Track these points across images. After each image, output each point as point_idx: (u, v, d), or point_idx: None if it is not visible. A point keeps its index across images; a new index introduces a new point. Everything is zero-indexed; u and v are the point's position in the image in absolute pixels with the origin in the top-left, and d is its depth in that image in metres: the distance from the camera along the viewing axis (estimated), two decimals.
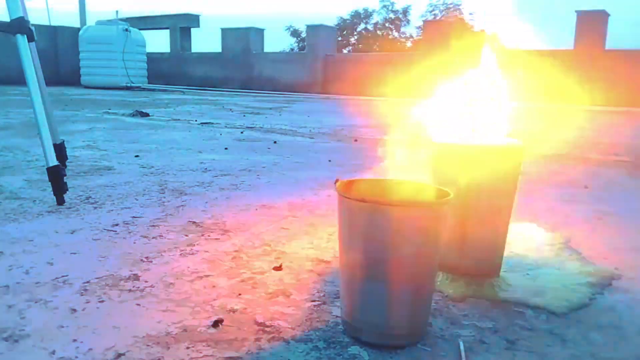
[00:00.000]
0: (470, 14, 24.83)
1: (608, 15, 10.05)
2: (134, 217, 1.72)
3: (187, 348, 0.92)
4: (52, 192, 1.83)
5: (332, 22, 23.94)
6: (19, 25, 1.83)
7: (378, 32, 26.09)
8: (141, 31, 13.43)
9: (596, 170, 2.89)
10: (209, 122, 5.09)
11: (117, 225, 1.63)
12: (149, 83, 13.28)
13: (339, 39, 21.86)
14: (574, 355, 0.94)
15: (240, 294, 1.15)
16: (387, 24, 26.12)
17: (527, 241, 1.57)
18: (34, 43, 1.94)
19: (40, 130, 1.83)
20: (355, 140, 3.97)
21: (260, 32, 14.27)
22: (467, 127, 1.29)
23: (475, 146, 1.22)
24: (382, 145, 3.77)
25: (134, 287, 1.17)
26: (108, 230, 1.58)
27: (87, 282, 1.19)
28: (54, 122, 2.15)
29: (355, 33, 26.44)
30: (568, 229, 1.70)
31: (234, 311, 1.07)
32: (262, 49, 14.30)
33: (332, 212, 1.83)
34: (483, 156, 1.21)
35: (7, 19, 1.83)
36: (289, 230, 1.62)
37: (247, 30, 13.96)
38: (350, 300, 0.98)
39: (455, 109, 1.29)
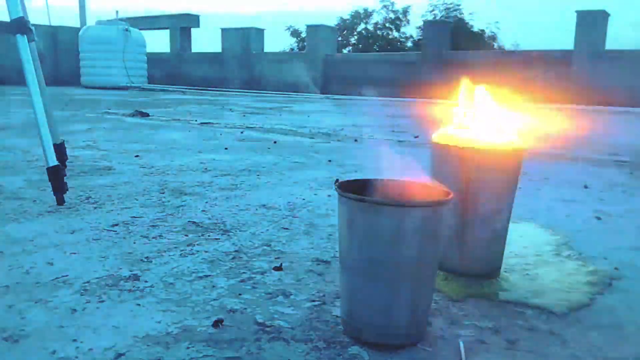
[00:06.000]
0: (470, 14, 24.79)
1: (608, 15, 10.04)
2: (134, 217, 1.72)
3: (187, 348, 0.92)
4: (52, 192, 1.83)
5: (332, 22, 23.94)
6: (19, 25, 1.83)
7: (378, 32, 26.07)
8: (141, 31, 13.42)
9: (596, 170, 2.89)
10: (209, 122, 5.09)
11: (117, 225, 1.63)
12: (149, 83, 13.27)
13: (339, 39, 21.84)
14: (574, 355, 0.94)
15: (240, 294, 1.15)
16: (387, 24, 26.09)
17: (527, 241, 1.57)
18: (34, 43, 1.94)
19: (40, 130, 1.83)
20: (355, 140, 3.97)
21: (260, 32, 14.26)
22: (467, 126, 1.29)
23: (475, 146, 1.22)
24: (382, 145, 3.77)
25: (134, 287, 1.17)
26: (108, 230, 1.58)
27: (87, 282, 1.19)
28: (54, 122, 2.15)
29: (355, 33, 26.42)
30: (568, 229, 1.70)
31: (234, 311, 1.07)
32: (262, 49, 14.29)
33: (332, 212, 1.83)
34: (483, 156, 1.21)
35: (7, 19, 1.83)
36: (289, 230, 1.62)
37: (247, 30, 13.95)
38: (351, 300, 0.98)
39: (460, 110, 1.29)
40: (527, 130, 1.33)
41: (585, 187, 2.39)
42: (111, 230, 1.57)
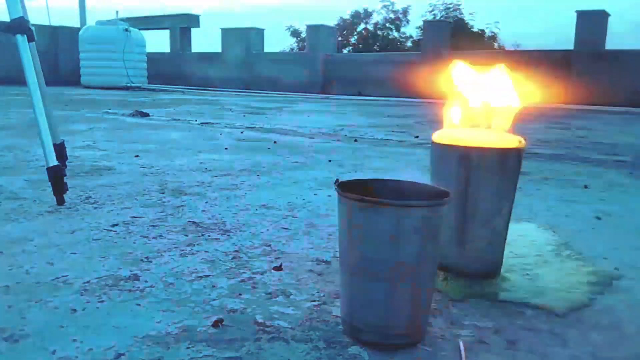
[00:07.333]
0: (471, 14, 24.84)
1: (608, 15, 10.04)
2: (134, 217, 1.72)
3: (187, 348, 0.92)
4: (52, 192, 1.83)
5: (332, 22, 23.95)
6: (19, 25, 1.83)
7: (378, 32, 26.07)
8: (141, 31, 13.42)
9: (596, 170, 2.89)
10: (209, 122, 5.09)
11: (117, 225, 1.63)
12: (149, 83, 13.27)
13: (339, 39, 21.83)
14: (574, 355, 0.94)
15: (240, 294, 1.15)
16: (387, 24, 26.10)
17: (527, 241, 1.57)
18: (34, 43, 1.94)
19: (40, 130, 1.83)
20: (355, 140, 3.97)
21: (260, 32, 14.26)
22: (469, 124, 1.29)
23: (475, 146, 1.22)
24: (382, 145, 3.77)
25: (134, 287, 1.17)
26: (108, 230, 1.58)
27: (87, 282, 1.19)
28: (54, 122, 2.15)
29: (355, 33, 26.42)
30: (568, 229, 1.70)
31: (234, 311, 1.07)
32: (262, 49, 14.28)
33: (332, 212, 1.83)
34: (483, 156, 1.21)
35: (7, 18, 1.83)
36: (289, 230, 1.62)
37: (247, 30, 13.95)
38: (351, 300, 0.98)
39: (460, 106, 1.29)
40: (526, 130, 1.33)
41: (585, 187, 2.39)
42: (111, 230, 1.57)
